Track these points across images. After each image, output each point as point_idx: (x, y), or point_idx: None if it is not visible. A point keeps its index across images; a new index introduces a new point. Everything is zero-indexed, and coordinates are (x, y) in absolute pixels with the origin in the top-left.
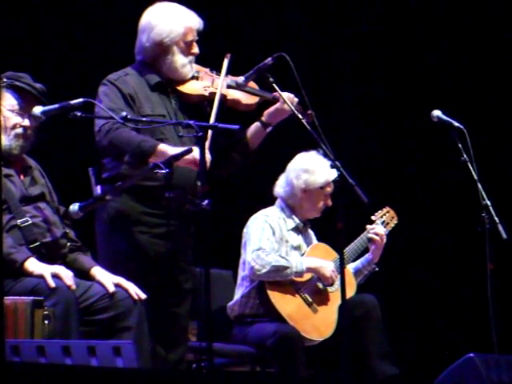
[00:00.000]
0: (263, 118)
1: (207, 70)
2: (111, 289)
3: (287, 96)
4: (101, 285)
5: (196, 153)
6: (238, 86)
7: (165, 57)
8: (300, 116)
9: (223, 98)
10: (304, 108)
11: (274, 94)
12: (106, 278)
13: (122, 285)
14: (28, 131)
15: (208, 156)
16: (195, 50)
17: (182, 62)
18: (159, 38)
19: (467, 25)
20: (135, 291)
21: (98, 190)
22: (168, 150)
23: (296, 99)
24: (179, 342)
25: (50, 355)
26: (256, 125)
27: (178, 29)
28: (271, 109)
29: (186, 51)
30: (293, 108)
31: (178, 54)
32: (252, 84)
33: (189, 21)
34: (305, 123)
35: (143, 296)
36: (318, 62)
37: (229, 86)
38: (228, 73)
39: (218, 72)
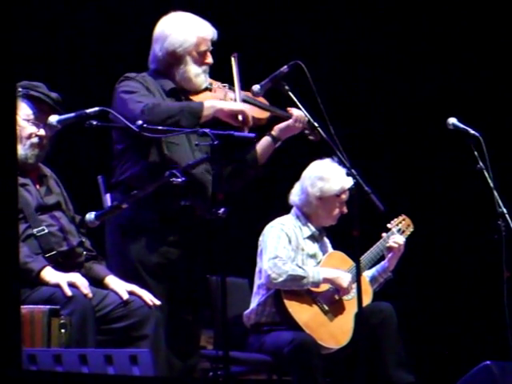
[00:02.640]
0: (273, 133)
1: (219, 83)
2: (125, 296)
3: (297, 113)
4: (115, 293)
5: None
6: (251, 101)
7: (178, 66)
8: (311, 136)
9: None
10: (312, 127)
11: (287, 110)
12: (120, 286)
13: (135, 292)
14: (43, 141)
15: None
16: (209, 59)
17: (196, 72)
18: (172, 47)
19: (483, 32)
20: (149, 298)
21: (108, 198)
22: (215, 103)
23: (305, 117)
24: (192, 350)
25: (66, 364)
26: (266, 139)
27: (191, 39)
28: (282, 125)
29: (200, 61)
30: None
31: (191, 63)
32: (262, 99)
33: (202, 31)
34: (323, 134)
35: (158, 302)
36: (332, 69)
37: (242, 100)
38: (240, 72)
39: (231, 86)
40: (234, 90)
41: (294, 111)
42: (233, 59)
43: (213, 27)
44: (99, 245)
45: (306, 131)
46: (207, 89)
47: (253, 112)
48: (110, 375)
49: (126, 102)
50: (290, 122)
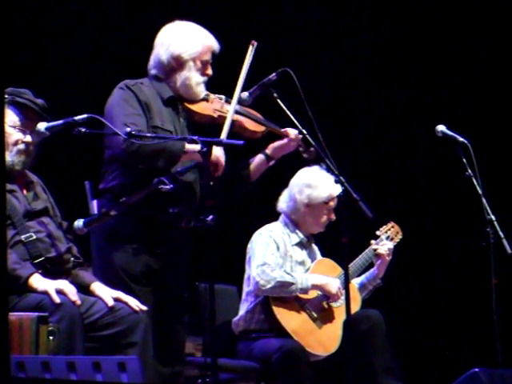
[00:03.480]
0: (268, 151)
1: (216, 95)
2: (110, 303)
3: (293, 133)
4: (100, 299)
5: (219, 153)
6: (247, 114)
7: (180, 72)
8: (305, 153)
9: (232, 122)
10: (307, 145)
11: (283, 130)
12: (106, 293)
13: (121, 299)
14: (30, 147)
15: (221, 152)
16: (209, 71)
17: (197, 81)
18: (178, 52)
19: (472, 38)
20: (136, 304)
21: (94, 204)
22: (196, 147)
23: (300, 136)
24: (177, 357)
25: (55, 371)
26: (260, 157)
27: (196, 46)
28: (277, 144)
29: (201, 70)
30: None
31: (194, 71)
32: (256, 113)
33: (208, 40)
34: (319, 152)
35: (144, 308)
36: (322, 75)
37: (237, 112)
38: (252, 61)
39: (227, 99)
40: (230, 103)
41: (290, 130)
42: (251, 47)
43: (216, 40)
44: (85, 251)
45: (301, 149)
46: (204, 99)
47: (248, 124)
48: (98, 382)
49: (115, 122)
50: (285, 141)
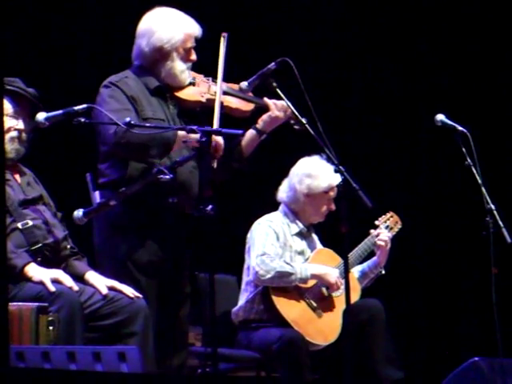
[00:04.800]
0: (258, 126)
1: (202, 76)
2: (104, 291)
3: (281, 104)
4: (94, 288)
5: (219, 138)
6: (234, 93)
7: (164, 62)
8: (296, 125)
9: (221, 104)
10: (296, 117)
11: (265, 99)
12: (100, 282)
13: (116, 287)
14: (22, 134)
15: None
16: (193, 56)
17: (181, 69)
18: (160, 43)
19: (472, 29)
20: (131, 291)
21: (97, 195)
22: (189, 136)
23: (287, 107)
24: (180, 346)
25: (54, 361)
26: (251, 132)
27: (178, 35)
28: (265, 116)
29: (185, 58)
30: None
31: (177, 60)
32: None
33: (189, 27)
34: (308, 128)
35: (139, 295)
36: (321, 66)
37: (225, 93)
38: (227, 54)
39: (214, 79)
40: (216, 83)
41: (276, 102)
42: (222, 39)
43: (197, 24)
44: (82, 242)
45: (292, 121)
46: (190, 84)
47: (237, 104)
48: (98, 372)
49: (101, 117)
50: (271, 112)
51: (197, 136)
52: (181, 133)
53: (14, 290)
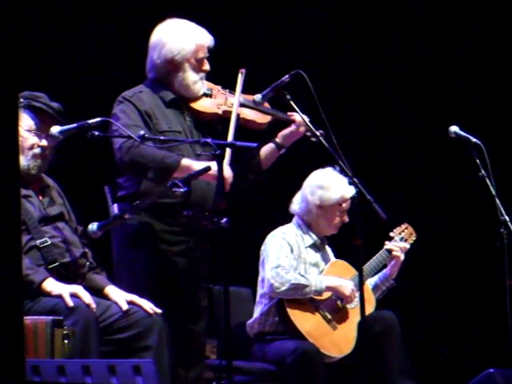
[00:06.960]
0: (278, 140)
1: (219, 87)
2: (124, 307)
3: (300, 119)
4: (114, 303)
5: (214, 167)
6: (251, 105)
7: (176, 74)
8: (313, 137)
9: (237, 116)
10: (311, 129)
11: (288, 114)
12: (120, 296)
13: (135, 302)
14: (46, 151)
15: (229, 172)
16: (206, 66)
17: (194, 79)
18: (170, 55)
19: (485, 40)
20: (150, 307)
21: (115, 208)
22: (192, 164)
23: (307, 119)
24: (197, 359)
25: (70, 375)
26: (270, 146)
27: (189, 46)
28: (286, 131)
29: (197, 68)
30: (309, 126)
31: (189, 71)
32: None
33: (200, 38)
34: (322, 140)
35: (158, 311)
36: (333, 77)
37: (242, 105)
38: (243, 88)
39: (231, 90)
40: (234, 95)
41: (296, 116)
42: (240, 75)
43: (209, 34)
44: (103, 255)
45: (308, 133)
46: (206, 95)
47: (253, 117)
48: None
49: (115, 130)
50: (293, 128)
51: (211, 172)
52: (185, 163)
53: (30, 303)
